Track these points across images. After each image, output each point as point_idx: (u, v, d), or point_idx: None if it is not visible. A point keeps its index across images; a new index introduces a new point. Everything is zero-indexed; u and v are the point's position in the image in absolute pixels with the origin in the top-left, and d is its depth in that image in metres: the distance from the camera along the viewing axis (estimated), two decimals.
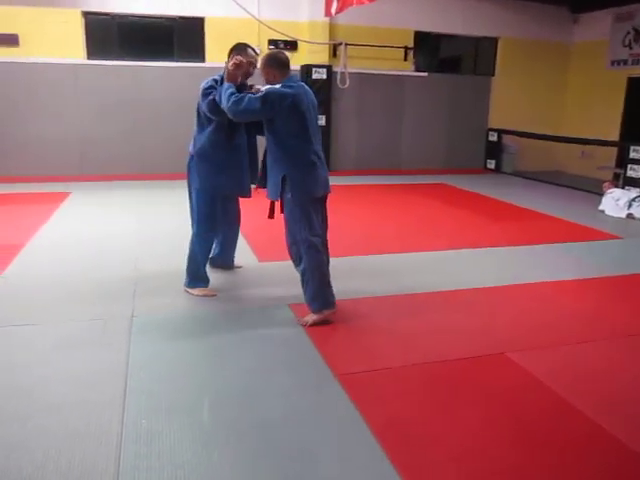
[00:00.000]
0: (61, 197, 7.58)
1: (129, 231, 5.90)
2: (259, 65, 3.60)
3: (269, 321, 3.64)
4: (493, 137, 11.38)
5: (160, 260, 4.85)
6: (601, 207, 7.59)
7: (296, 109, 3.39)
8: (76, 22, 8.97)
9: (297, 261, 3.59)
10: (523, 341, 3.43)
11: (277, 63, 3.53)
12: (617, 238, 6.20)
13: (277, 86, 3.43)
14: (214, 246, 4.42)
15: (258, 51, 4.09)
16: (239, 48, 3.90)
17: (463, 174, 10.86)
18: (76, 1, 8.87)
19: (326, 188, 3.60)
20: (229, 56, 3.82)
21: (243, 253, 4.91)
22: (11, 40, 8.70)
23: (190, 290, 4.08)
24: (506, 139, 11.32)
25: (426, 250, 5.44)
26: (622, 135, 10.70)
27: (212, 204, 4.01)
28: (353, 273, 4.63)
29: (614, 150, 10.31)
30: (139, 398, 2.66)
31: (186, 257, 4.11)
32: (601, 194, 7.93)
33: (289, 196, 3.43)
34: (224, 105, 3.46)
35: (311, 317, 3.57)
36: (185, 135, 9.81)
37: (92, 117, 9.24)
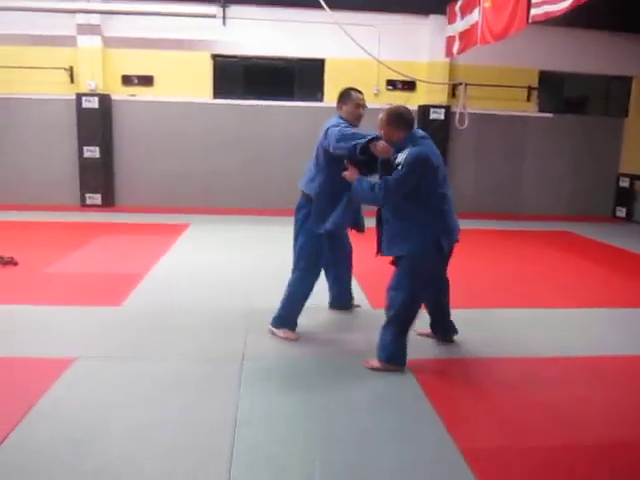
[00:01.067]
0: (183, 228, 7.91)
1: (242, 264, 5.96)
2: (380, 123, 3.40)
3: (383, 378, 3.37)
4: (625, 183, 10.49)
5: (270, 296, 4.78)
6: None
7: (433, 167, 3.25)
8: (205, 64, 9.51)
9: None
10: None
11: (404, 123, 3.33)
12: None
13: (412, 150, 3.19)
14: (330, 288, 4.28)
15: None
16: (346, 95, 3.88)
17: (589, 222, 10.04)
18: (207, 45, 9.41)
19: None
20: (339, 101, 3.88)
21: (356, 297, 4.72)
22: (147, 81, 9.38)
23: (275, 330, 3.94)
24: (638, 186, 10.37)
25: (555, 306, 4.95)
26: None
27: (321, 244, 3.88)
28: (474, 327, 4.28)
29: None
30: (247, 456, 2.51)
31: (282, 298, 3.96)
32: None
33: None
34: (377, 198, 3.29)
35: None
36: (298, 172, 9.88)
37: (215, 152, 9.66)
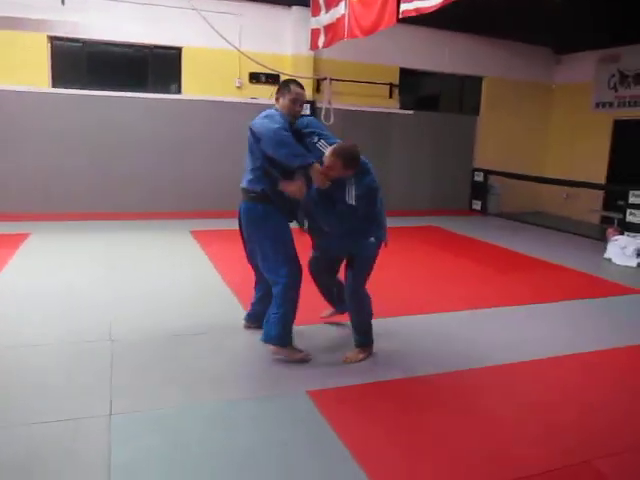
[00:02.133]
0: (20, 239, 6.73)
1: (99, 283, 5.13)
2: (329, 161, 3.31)
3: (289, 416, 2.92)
4: (479, 177, 11.05)
5: (136, 325, 4.11)
6: (607, 255, 7.20)
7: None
8: (41, 47, 8.25)
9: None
10: (608, 439, 2.81)
11: (355, 163, 3.40)
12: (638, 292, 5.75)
13: (365, 181, 3.45)
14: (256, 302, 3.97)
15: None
16: (284, 87, 3.58)
17: (450, 215, 10.44)
18: (43, 25, 8.15)
19: None
20: (277, 92, 3.61)
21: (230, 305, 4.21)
22: None
23: (287, 351, 3.54)
24: (491, 179, 10.99)
25: (439, 310, 4.83)
26: (608, 178, 10.52)
27: (292, 243, 3.56)
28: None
29: (600, 193, 10.15)
30: None
31: (277, 313, 3.48)
32: (596, 239, 7.61)
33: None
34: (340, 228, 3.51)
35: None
36: (157, 169, 8.98)
37: (57, 149, 8.44)
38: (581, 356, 3.91)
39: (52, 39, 8.36)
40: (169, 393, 3.10)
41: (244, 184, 3.60)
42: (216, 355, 3.66)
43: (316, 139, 3.53)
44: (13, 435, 2.62)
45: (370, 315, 3.73)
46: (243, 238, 3.79)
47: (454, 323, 4.54)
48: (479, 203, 11.05)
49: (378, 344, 3.82)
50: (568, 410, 3.11)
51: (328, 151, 3.34)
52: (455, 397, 3.23)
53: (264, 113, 3.48)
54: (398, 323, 4.44)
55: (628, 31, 9.28)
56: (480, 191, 11.02)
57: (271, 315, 3.51)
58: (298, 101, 3.54)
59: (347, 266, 3.65)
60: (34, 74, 8.26)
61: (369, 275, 3.66)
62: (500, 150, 11.29)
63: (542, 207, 11.60)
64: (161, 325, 4.13)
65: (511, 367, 3.68)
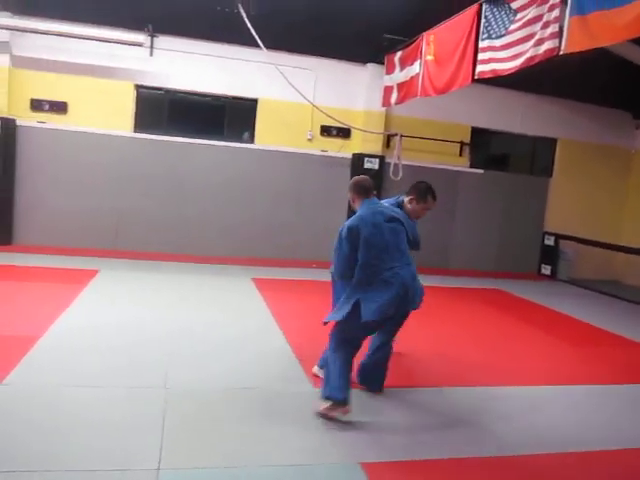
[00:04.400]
0: (89, 275, 6.97)
1: (160, 325, 5.18)
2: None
3: None
4: (549, 241, 10.64)
5: (197, 370, 4.08)
6: None
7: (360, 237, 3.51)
8: (128, 94, 8.75)
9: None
10: None
11: (357, 189, 3.71)
12: None
13: (347, 221, 3.61)
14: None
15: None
16: (425, 194, 4.14)
17: (516, 279, 10.04)
18: (131, 75, 8.67)
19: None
20: (416, 194, 4.14)
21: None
22: (59, 107, 8.47)
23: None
24: (562, 244, 10.56)
25: (508, 384, 4.55)
26: None
27: None
28: (421, 409, 3.77)
29: None
30: None
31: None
32: None
33: None
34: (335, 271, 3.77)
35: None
36: (224, 216, 9.18)
37: (131, 190, 8.80)
38: None
39: (138, 87, 8.85)
40: (218, 452, 3.01)
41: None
42: (269, 416, 3.55)
43: None
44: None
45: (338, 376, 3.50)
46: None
47: (529, 399, 4.25)
48: (549, 268, 10.60)
49: (444, 416, 3.60)
50: None
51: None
52: None
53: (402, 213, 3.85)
54: (457, 394, 4.20)
55: None
56: (550, 255, 10.59)
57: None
58: (429, 210, 4.11)
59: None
60: (119, 119, 8.73)
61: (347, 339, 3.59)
62: (573, 214, 10.87)
63: (617, 276, 11.01)
64: (217, 377, 4.07)
65: (579, 456, 3.36)
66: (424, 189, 4.13)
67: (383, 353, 3.98)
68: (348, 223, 3.54)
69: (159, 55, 8.66)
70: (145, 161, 8.82)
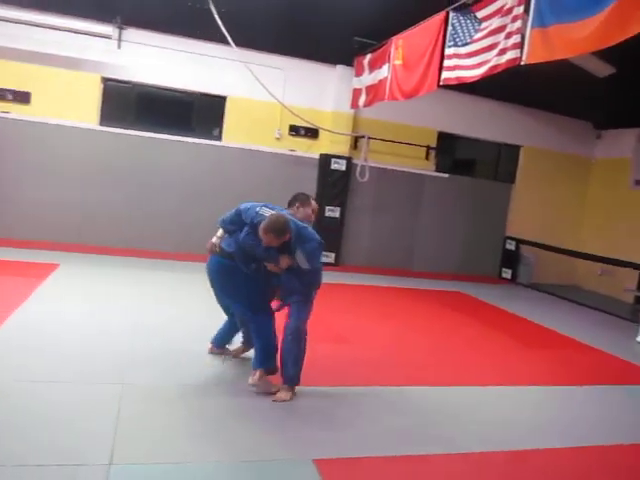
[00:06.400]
0: (49, 269, 6.85)
1: (118, 321, 5.13)
2: (267, 238, 3.70)
3: None
4: (511, 246, 10.89)
5: (152, 369, 4.07)
6: (639, 338, 6.93)
7: None
8: (94, 87, 8.62)
9: None
10: None
11: (286, 229, 3.72)
12: None
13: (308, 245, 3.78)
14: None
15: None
16: (302, 199, 4.17)
17: (478, 282, 10.26)
18: (98, 66, 8.54)
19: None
20: (291, 205, 4.15)
21: None
22: (23, 97, 8.29)
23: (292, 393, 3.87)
24: (523, 249, 10.83)
25: (458, 384, 4.67)
26: None
27: None
28: (390, 409, 3.85)
29: (636, 272, 9.85)
30: None
31: (290, 354, 3.83)
32: (632, 320, 7.30)
33: None
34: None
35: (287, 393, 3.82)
36: (189, 213, 9.12)
37: (95, 184, 8.67)
38: (602, 449, 3.70)
39: (105, 79, 8.72)
40: (171, 448, 3.02)
41: None
42: (224, 411, 3.57)
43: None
44: (6, 476, 2.57)
45: (304, 353, 3.88)
46: None
47: (477, 398, 4.36)
48: (509, 272, 10.85)
49: (395, 415, 3.68)
50: None
51: (260, 231, 3.68)
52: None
53: (291, 218, 3.85)
54: (417, 393, 4.29)
55: None
56: (511, 260, 10.84)
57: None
58: (315, 213, 4.22)
59: (292, 304, 3.89)
60: (84, 111, 8.59)
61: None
62: (534, 220, 11.15)
63: (575, 281, 11.34)
64: (174, 373, 4.07)
65: (524, 454, 3.48)
66: (303, 195, 4.26)
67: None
68: (317, 244, 3.82)
69: (127, 48, 8.54)
70: (111, 155, 8.69)
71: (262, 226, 3.66)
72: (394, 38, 7.47)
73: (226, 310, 4.39)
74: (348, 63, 9.29)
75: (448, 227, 10.67)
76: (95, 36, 7.99)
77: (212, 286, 4.19)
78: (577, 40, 4.59)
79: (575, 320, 8.00)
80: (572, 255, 10.29)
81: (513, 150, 11.21)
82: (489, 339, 6.35)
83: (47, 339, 4.45)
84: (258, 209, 3.91)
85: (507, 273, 10.90)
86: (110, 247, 8.56)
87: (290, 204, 4.18)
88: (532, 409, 4.32)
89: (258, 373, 3.82)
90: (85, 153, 8.59)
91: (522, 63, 5.08)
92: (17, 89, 8.26)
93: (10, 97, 8.28)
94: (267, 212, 3.82)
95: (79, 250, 8.26)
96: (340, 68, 9.47)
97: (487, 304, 8.45)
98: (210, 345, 4.56)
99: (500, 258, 11.07)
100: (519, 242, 10.75)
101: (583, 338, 6.75)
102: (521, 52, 5.10)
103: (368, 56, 8.54)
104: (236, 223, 4.02)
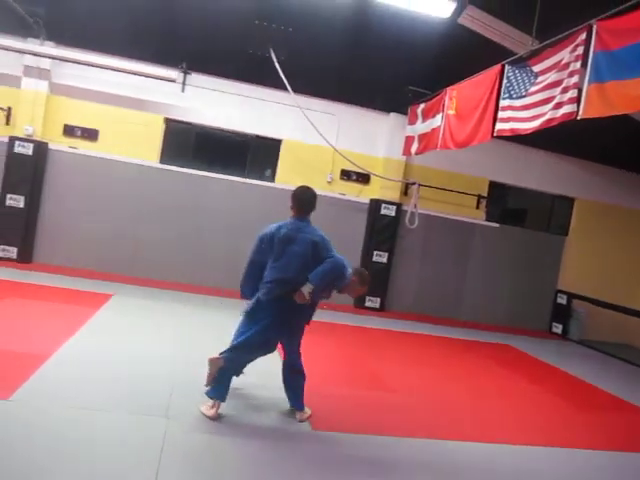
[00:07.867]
0: (103, 299, 7.09)
1: (167, 353, 5.25)
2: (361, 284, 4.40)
3: None
4: (562, 300, 10.58)
5: (198, 396, 4.13)
6: None
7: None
8: (157, 127, 9.05)
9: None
10: None
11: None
12: None
13: None
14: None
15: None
16: (363, 278, 4.39)
17: (527, 335, 9.96)
18: (162, 108, 8.99)
19: None
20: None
21: None
22: (91, 134, 8.79)
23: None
24: (575, 304, 10.50)
25: (504, 441, 4.52)
26: None
27: None
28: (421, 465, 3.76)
29: None
30: None
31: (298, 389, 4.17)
32: None
33: None
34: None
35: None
36: (240, 251, 9.20)
37: (151, 219, 9.00)
38: None
39: (167, 120, 9.15)
40: None
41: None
42: (270, 454, 3.57)
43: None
44: None
45: None
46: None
47: (526, 458, 4.21)
48: (560, 326, 10.51)
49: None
50: None
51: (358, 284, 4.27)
52: None
53: (320, 232, 4.30)
54: (462, 449, 4.18)
55: None
56: (562, 314, 10.51)
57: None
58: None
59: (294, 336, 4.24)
60: (146, 149, 9.02)
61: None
62: (587, 274, 10.84)
63: (630, 340, 10.87)
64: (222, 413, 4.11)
65: None
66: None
67: None
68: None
69: (190, 91, 8.98)
70: (168, 191, 9.04)
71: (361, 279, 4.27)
72: (448, 89, 7.59)
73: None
74: (401, 111, 9.46)
75: (498, 277, 10.49)
76: (161, 79, 8.44)
77: (281, 325, 4.17)
78: (634, 96, 4.58)
79: (631, 383, 7.65)
80: (625, 312, 9.90)
81: (567, 202, 11.02)
82: (536, 397, 6.13)
83: (99, 367, 4.58)
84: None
85: (558, 328, 10.57)
86: (161, 280, 8.82)
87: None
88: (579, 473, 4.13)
89: (307, 411, 4.22)
90: (144, 188, 8.96)
91: (578, 117, 5.07)
92: (86, 126, 8.77)
93: (79, 133, 8.78)
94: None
95: (132, 282, 8.50)
96: (393, 116, 9.64)
97: (536, 359, 8.17)
98: None
99: (551, 312, 10.76)
100: (571, 296, 10.44)
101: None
102: (577, 106, 5.10)
103: (422, 105, 8.67)
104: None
